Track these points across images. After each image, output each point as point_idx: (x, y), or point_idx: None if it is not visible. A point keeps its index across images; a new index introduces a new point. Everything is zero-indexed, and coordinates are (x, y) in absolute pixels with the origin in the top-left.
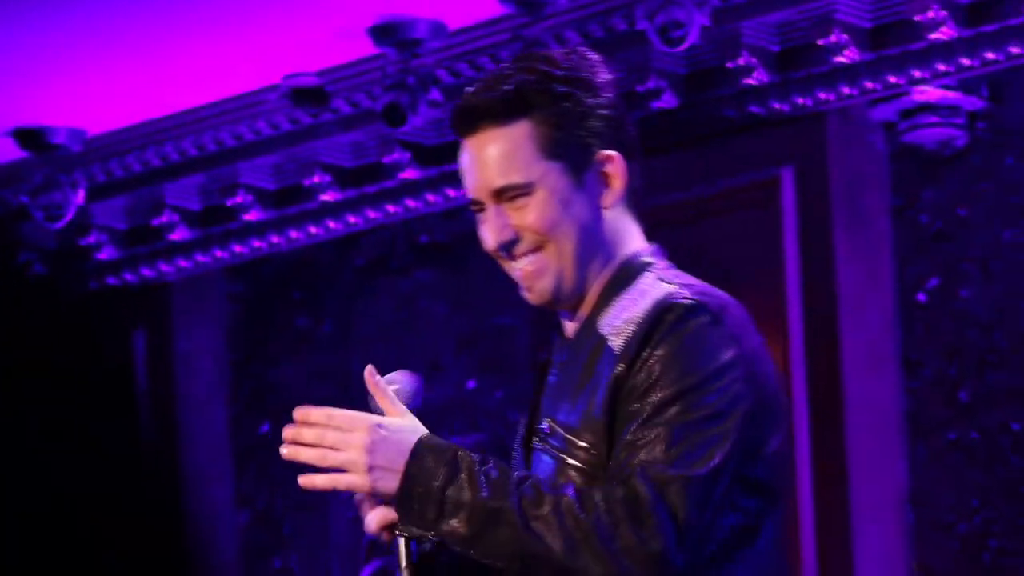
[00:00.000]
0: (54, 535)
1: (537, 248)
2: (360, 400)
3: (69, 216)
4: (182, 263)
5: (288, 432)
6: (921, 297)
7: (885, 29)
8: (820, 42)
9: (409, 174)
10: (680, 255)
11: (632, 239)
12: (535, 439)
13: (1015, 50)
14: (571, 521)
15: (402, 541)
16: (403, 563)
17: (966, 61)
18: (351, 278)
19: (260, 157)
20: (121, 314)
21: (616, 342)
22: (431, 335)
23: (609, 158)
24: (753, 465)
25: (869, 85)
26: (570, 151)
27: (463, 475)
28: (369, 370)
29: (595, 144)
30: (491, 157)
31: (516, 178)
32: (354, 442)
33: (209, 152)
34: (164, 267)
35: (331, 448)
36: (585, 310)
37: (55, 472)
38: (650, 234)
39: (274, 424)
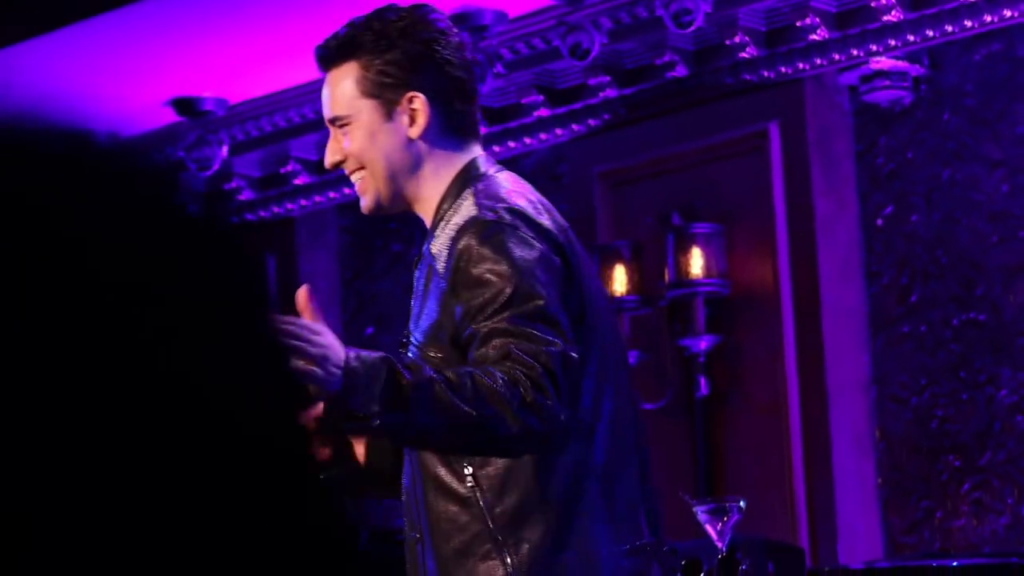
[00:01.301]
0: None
1: (359, 168)
2: None
3: (215, 167)
4: (304, 203)
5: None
6: (879, 222)
7: (849, 13)
8: (799, 23)
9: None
10: (691, 193)
11: (458, 159)
12: (405, 340)
13: (949, 28)
14: (484, 388)
15: None
16: None
17: (911, 37)
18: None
19: None
20: (257, 243)
21: (439, 265)
22: None
23: (414, 98)
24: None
25: (837, 57)
26: (382, 91)
27: (392, 375)
28: (303, 291)
29: (404, 86)
30: (327, 93)
31: (339, 111)
32: (320, 341)
33: (323, 115)
34: (290, 206)
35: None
36: (429, 224)
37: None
38: (667, 176)
39: (376, 328)
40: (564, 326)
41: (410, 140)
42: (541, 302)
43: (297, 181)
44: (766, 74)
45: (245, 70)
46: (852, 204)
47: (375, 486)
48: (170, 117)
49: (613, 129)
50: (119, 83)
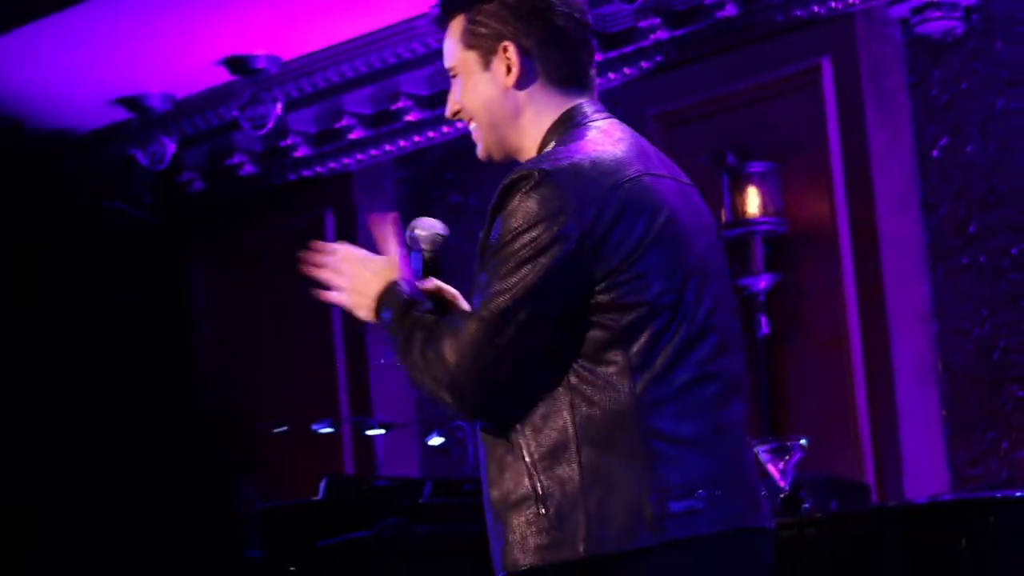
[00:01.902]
0: (250, 367)
1: (469, 119)
2: None
3: (271, 125)
4: (360, 157)
5: (313, 256)
6: (935, 153)
7: None
8: None
9: None
10: (745, 132)
11: (556, 108)
12: None
13: None
14: (418, 351)
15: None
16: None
17: None
18: (490, 162)
19: (416, 71)
20: (315, 199)
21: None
22: None
23: (507, 47)
24: (604, 290)
25: None
26: (480, 42)
27: (395, 317)
28: (380, 218)
29: (501, 36)
30: (445, 46)
31: (449, 63)
32: (349, 271)
33: (376, 69)
34: (346, 160)
35: (337, 273)
36: None
37: (260, 318)
38: (720, 116)
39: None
40: (535, 287)
41: (507, 89)
42: (522, 265)
43: (352, 136)
44: (816, 9)
45: (296, 26)
46: (907, 136)
47: None
48: (223, 76)
49: (665, 71)
50: (171, 45)
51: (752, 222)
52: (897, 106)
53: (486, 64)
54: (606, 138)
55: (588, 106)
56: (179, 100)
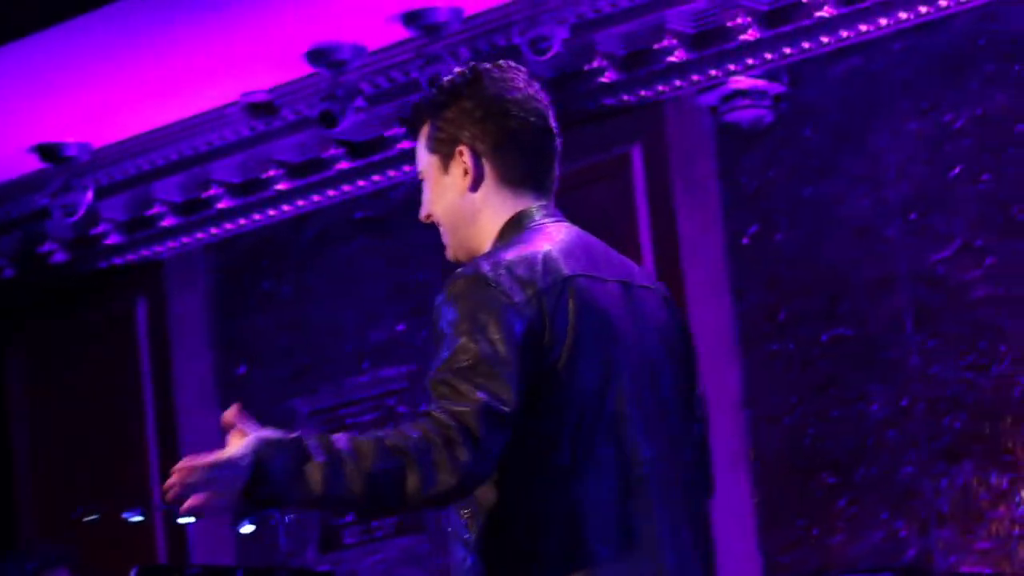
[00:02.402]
0: (67, 456)
1: (437, 222)
2: (317, 343)
3: (81, 212)
4: (171, 244)
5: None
6: (745, 241)
7: (706, 34)
8: (656, 46)
9: (343, 165)
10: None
11: (508, 208)
12: None
13: (807, 45)
14: (392, 450)
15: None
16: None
17: (769, 55)
18: (304, 248)
19: (227, 158)
20: (126, 286)
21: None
22: (369, 290)
23: (461, 152)
24: (533, 389)
25: (695, 78)
26: (440, 147)
27: (313, 451)
28: (233, 409)
29: (457, 140)
30: (416, 152)
31: (418, 167)
32: (202, 470)
33: (187, 156)
34: (158, 248)
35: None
36: None
37: (74, 407)
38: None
39: (249, 366)
40: (504, 377)
41: (463, 192)
42: (479, 354)
43: (163, 223)
44: (626, 98)
45: (107, 114)
46: (716, 224)
47: None
48: (34, 164)
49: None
50: None
51: None
52: (707, 194)
53: (445, 168)
54: (545, 240)
55: (538, 209)
56: None
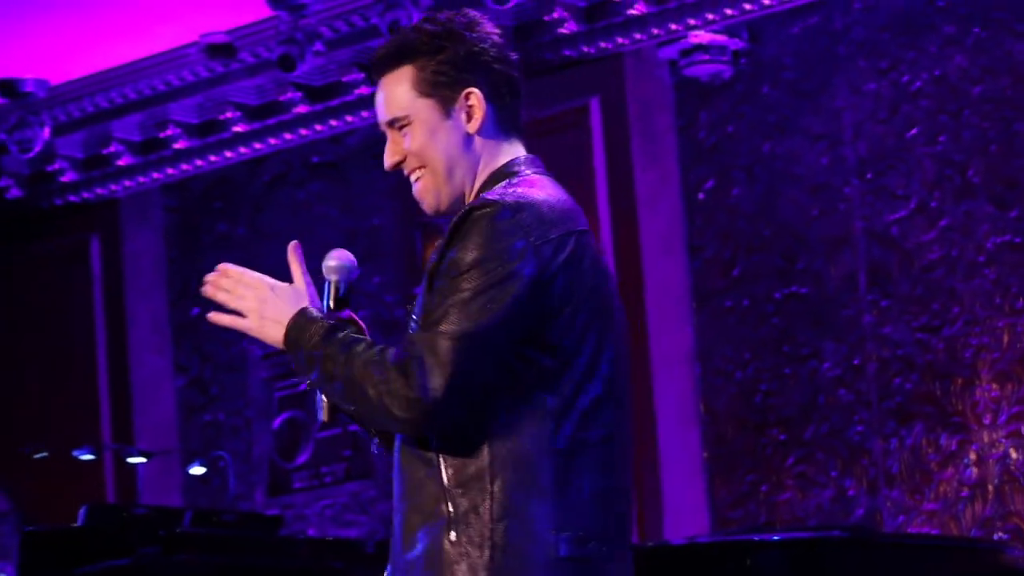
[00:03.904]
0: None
1: (419, 168)
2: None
3: (38, 148)
4: (127, 183)
5: (210, 277)
6: (701, 196)
7: None
8: None
9: (301, 109)
10: None
11: (504, 155)
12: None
13: (767, 1)
14: (363, 369)
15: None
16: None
17: (729, 11)
18: (259, 191)
19: (185, 99)
20: (81, 224)
21: (440, 243)
22: (322, 234)
23: (470, 93)
24: (543, 330)
25: (655, 31)
26: (439, 89)
27: (321, 338)
28: (293, 245)
29: (461, 83)
30: (384, 96)
31: (397, 112)
32: (254, 295)
33: (146, 96)
34: (113, 187)
35: (238, 296)
36: None
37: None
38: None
39: (203, 308)
40: (499, 313)
41: (468, 136)
42: (478, 288)
43: (120, 162)
44: (586, 49)
45: (65, 51)
46: (674, 178)
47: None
48: None
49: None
50: None
51: None
52: (665, 148)
53: (446, 112)
54: (555, 188)
55: (528, 158)
56: None
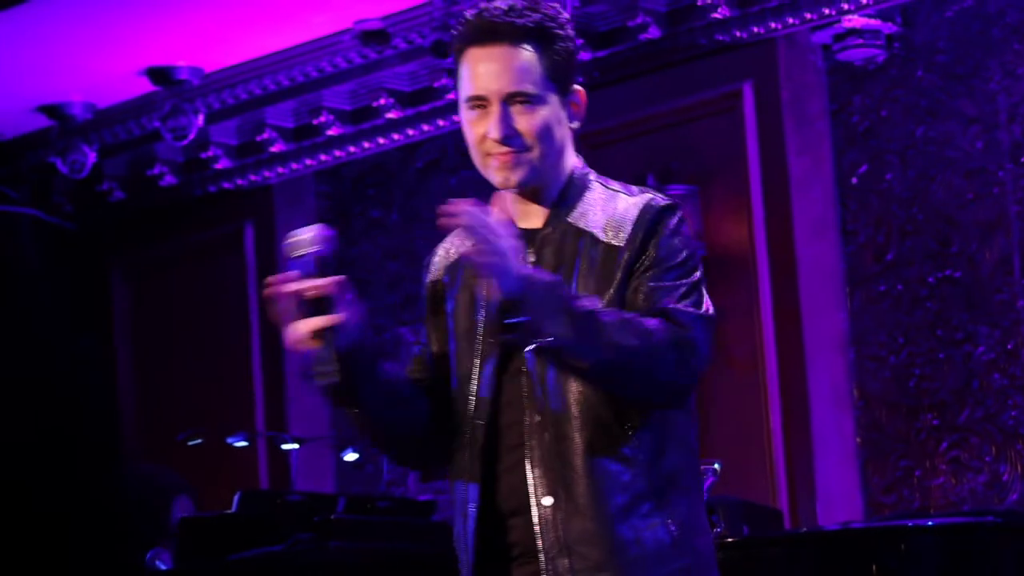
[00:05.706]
0: (171, 380)
1: (525, 149)
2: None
3: (192, 136)
4: (281, 170)
5: (463, 208)
6: (854, 180)
7: None
8: None
9: (454, 96)
10: (666, 154)
11: (571, 154)
12: None
13: None
14: (643, 330)
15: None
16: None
17: None
18: (412, 177)
19: (338, 85)
20: (234, 211)
21: (617, 237)
22: None
23: (579, 92)
24: None
25: (809, 16)
26: (562, 81)
27: (576, 298)
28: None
29: (572, 78)
30: (510, 67)
31: (530, 88)
32: (508, 236)
33: (299, 82)
34: (267, 174)
35: (496, 236)
36: (544, 206)
37: (180, 330)
38: (642, 138)
39: (355, 294)
40: (708, 300)
41: (571, 131)
42: (698, 276)
43: (273, 149)
44: (739, 34)
45: (219, 38)
46: (827, 163)
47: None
48: (145, 87)
49: (588, 92)
50: (94, 54)
51: None
52: (817, 132)
53: (563, 104)
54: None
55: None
56: (101, 109)
